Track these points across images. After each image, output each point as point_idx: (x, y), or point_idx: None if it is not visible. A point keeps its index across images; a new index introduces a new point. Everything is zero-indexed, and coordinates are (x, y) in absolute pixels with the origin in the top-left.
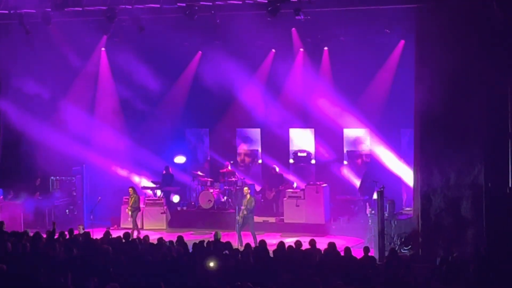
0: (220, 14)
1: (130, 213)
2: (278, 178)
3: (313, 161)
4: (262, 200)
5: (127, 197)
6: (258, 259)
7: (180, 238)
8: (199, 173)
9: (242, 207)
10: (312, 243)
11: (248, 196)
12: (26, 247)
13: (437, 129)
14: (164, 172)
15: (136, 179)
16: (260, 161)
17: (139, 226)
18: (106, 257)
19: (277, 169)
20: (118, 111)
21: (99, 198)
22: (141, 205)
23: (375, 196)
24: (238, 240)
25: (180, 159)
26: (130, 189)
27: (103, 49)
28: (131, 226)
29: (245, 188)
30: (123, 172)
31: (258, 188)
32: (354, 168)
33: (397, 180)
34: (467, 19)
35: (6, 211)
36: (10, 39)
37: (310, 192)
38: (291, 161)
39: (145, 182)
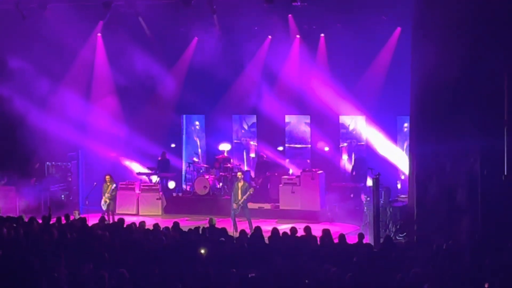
0: (217, 0)
1: (108, 201)
2: (265, 165)
3: (309, 148)
4: (258, 186)
5: (123, 183)
6: (253, 245)
7: (176, 224)
8: (195, 159)
9: (243, 199)
10: (308, 229)
11: (242, 181)
12: (21, 232)
13: (433, 117)
14: (160, 158)
15: (131, 164)
16: (255, 144)
17: (134, 212)
18: (101, 242)
19: (265, 156)
20: (114, 97)
21: (95, 183)
22: (137, 191)
23: (369, 182)
24: (233, 226)
25: (176, 145)
26: (107, 176)
27: (99, 34)
28: (127, 212)
29: (239, 173)
30: (118, 158)
31: (253, 174)
32: (350, 155)
33: (393, 167)
34: (464, 5)
35: (1, 196)
36: (7, 24)
37: (306, 179)
38: (286, 147)
39: (140, 168)
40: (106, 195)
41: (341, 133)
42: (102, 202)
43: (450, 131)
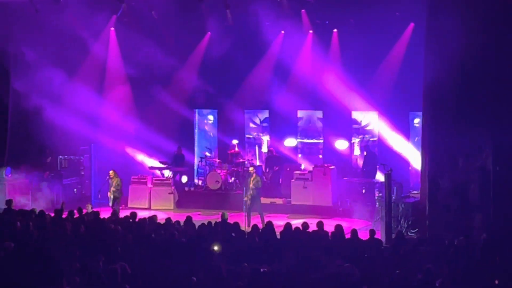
0: None
1: (112, 196)
2: (275, 160)
3: (321, 143)
4: (268, 181)
5: (136, 177)
6: (265, 240)
7: (188, 219)
8: (207, 154)
9: (251, 190)
10: (320, 225)
11: (254, 175)
12: (34, 226)
13: (446, 112)
14: (176, 151)
15: (143, 158)
16: (267, 139)
17: (147, 206)
18: (113, 236)
19: (274, 151)
20: (126, 91)
21: (107, 177)
22: (149, 185)
23: (379, 178)
24: (246, 221)
25: (188, 140)
26: (111, 172)
27: (112, 29)
28: (139, 206)
29: (251, 168)
30: (131, 152)
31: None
32: (362, 150)
33: (405, 163)
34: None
35: (15, 189)
36: (21, 18)
37: (318, 174)
38: (299, 142)
39: (153, 162)
40: (112, 189)
41: (354, 128)
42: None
43: (462, 126)
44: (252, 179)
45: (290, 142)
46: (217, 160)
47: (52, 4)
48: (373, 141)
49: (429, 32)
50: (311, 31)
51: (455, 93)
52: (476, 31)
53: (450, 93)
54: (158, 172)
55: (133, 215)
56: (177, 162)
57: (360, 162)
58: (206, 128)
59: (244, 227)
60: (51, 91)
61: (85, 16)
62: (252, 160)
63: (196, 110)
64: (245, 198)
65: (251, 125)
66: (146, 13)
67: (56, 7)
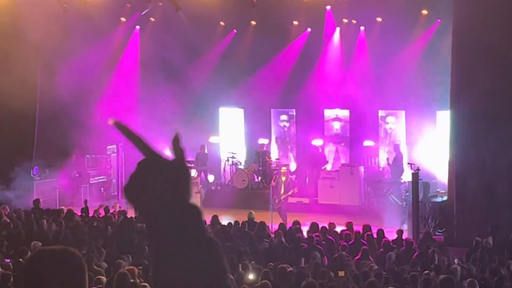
0: None
1: None
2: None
3: (347, 142)
4: (296, 180)
5: None
6: (291, 239)
7: (214, 218)
8: (234, 153)
9: (284, 194)
10: (350, 225)
11: (285, 176)
12: (61, 225)
13: (473, 110)
14: (199, 151)
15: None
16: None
17: None
18: (141, 235)
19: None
20: (151, 91)
21: None
22: None
23: (406, 178)
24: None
25: (215, 139)
26: None
27: (137, 27)
28: None
29: (283, 168)
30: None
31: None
32: (389, 149)
33: (432, 162)
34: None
35: (42, 189)
36: (47, 16)
37: (345, 174)
38: (325, 141)
39: None
40: None
41: (380, 127)
42: None
43: (490, 124)
44: (284, 179)
45: (317, 141)
46: (244, 160)
47: (79, 3)
48: (400, 140)
49: (456, 29)
50: (337, 29)
51: (482, 90)
52: (503, 26)
53: (477, 90)
54: None
55: None
56: (201, 161)
57: (387, 162)
58: (233, 127)
59: (271, 225)
60: (78, 89)
61: (110, 14)
62: (279, 159)
63: (222, 109)
64: (278, 200)
65: (278, 124)
66: (172, 11)
67: (84, 7)
